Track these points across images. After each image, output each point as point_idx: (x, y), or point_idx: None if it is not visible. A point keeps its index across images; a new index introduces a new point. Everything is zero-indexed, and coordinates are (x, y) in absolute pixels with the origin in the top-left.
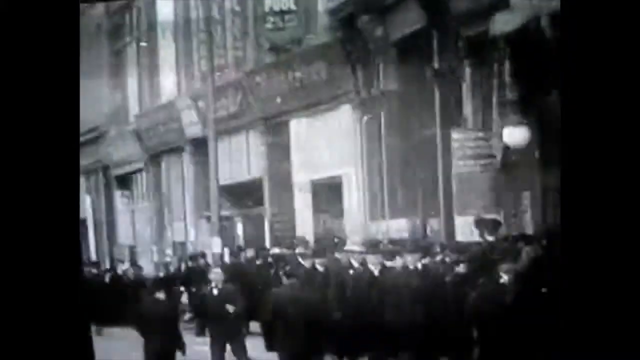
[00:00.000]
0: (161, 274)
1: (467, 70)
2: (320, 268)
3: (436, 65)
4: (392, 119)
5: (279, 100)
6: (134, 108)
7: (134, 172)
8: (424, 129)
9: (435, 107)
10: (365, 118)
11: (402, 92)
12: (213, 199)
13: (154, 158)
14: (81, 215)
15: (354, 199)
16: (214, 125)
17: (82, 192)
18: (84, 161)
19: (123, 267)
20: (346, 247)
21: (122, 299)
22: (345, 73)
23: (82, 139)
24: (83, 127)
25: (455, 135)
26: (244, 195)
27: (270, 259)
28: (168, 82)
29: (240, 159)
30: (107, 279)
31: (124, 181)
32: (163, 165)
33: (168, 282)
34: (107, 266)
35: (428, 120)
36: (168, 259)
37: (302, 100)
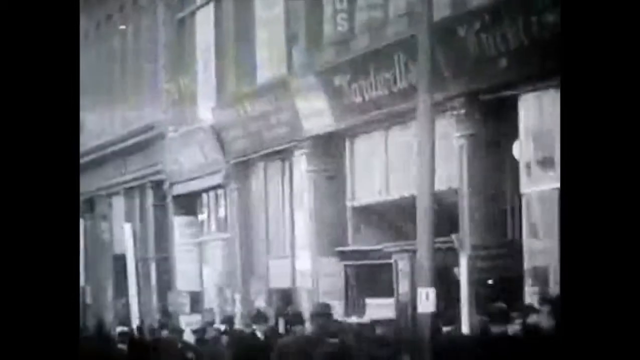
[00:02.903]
0: None
1: None
2: None
3: None
4: None
5: (504, 63)
6: (206, 97)
7: (205, 190)
8: None
9: None
10: None
11: None
12: (423, 221)
13: (241, 168)
14: (118, 250)
15: None
16: (427, 93)
17: (120, 218)
18: (125, 176)
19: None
20: None
21: None
22: None
23: (125, 143)
24: (129, 126)
25: None
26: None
27: None
28: (270, 53)
29: (406, 162)
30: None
31: (188, 202)
32: (255, 177)
33: None
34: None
35: None
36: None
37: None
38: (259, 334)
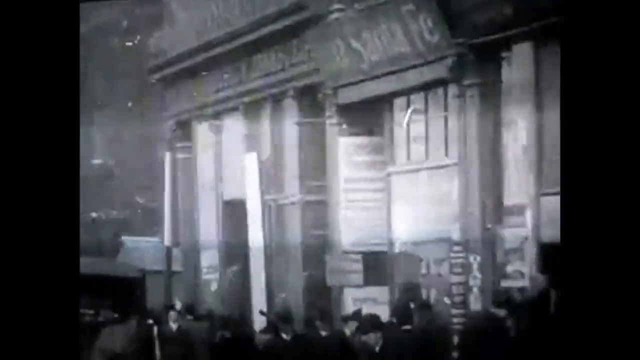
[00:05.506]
0: None
1: None
2: None
3: None
4: None
5: None
6: None
7: (405, 93)
8: None
9: None
10: None
11: None
12: None
13: (486, 52)
14: (230, 194)
15: None
16: None
17: (234, 146)
18: (246, 84)
19: None
20: None
21: None
22: None
23: (252, 35)
24: (260, 11)
25: None
26: None
27: None
28: None
29: None
30: None
31: (364, 115)
32: (518, 64)
33: None
34: None
35: None
36: (515, 283)
37: None
38: None
